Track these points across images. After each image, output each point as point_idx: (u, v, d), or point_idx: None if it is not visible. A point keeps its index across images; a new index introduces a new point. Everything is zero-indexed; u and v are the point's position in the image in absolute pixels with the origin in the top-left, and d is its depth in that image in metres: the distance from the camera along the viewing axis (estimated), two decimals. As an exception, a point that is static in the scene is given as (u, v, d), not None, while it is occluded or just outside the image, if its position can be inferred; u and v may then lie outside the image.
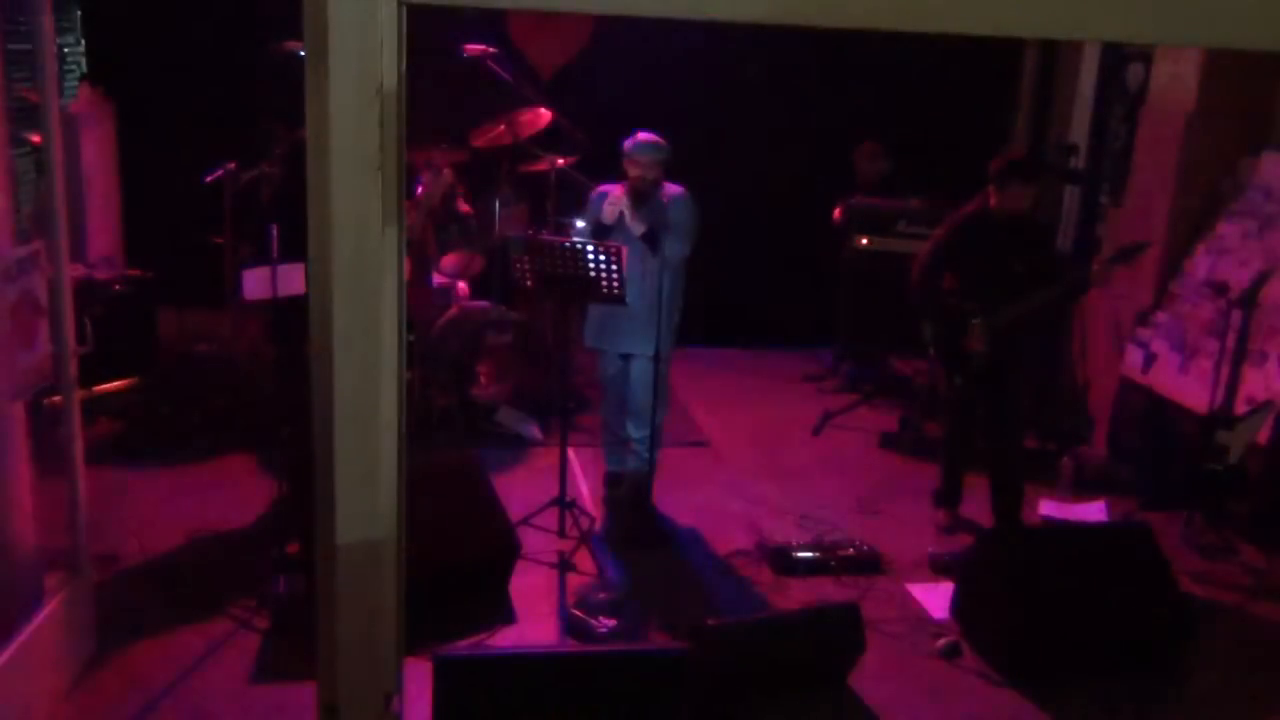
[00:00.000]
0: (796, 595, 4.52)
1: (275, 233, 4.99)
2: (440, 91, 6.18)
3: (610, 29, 6.86)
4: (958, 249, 4.95)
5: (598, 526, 5.02)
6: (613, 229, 4.83)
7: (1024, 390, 5.29)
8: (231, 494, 5.08)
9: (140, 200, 6.66)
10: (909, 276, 5.09)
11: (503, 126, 6.26)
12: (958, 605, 4.32)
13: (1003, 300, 4.85)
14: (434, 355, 5.89)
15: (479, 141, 6.32)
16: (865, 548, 4.83)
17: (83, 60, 6.84)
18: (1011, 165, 4.84)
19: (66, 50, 6.68)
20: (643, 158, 4.73)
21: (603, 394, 5.32)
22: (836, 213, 6.96)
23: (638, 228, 4.73)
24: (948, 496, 5.31)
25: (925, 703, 3.88)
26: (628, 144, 4.79)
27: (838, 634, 3.87)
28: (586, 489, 5.38)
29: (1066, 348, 6.77)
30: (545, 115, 6.25)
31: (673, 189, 4.82)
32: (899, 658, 4.11)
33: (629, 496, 5.10)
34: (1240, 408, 5.05)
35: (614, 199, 4.83)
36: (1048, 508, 5.43)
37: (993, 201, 4.84)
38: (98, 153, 6.46)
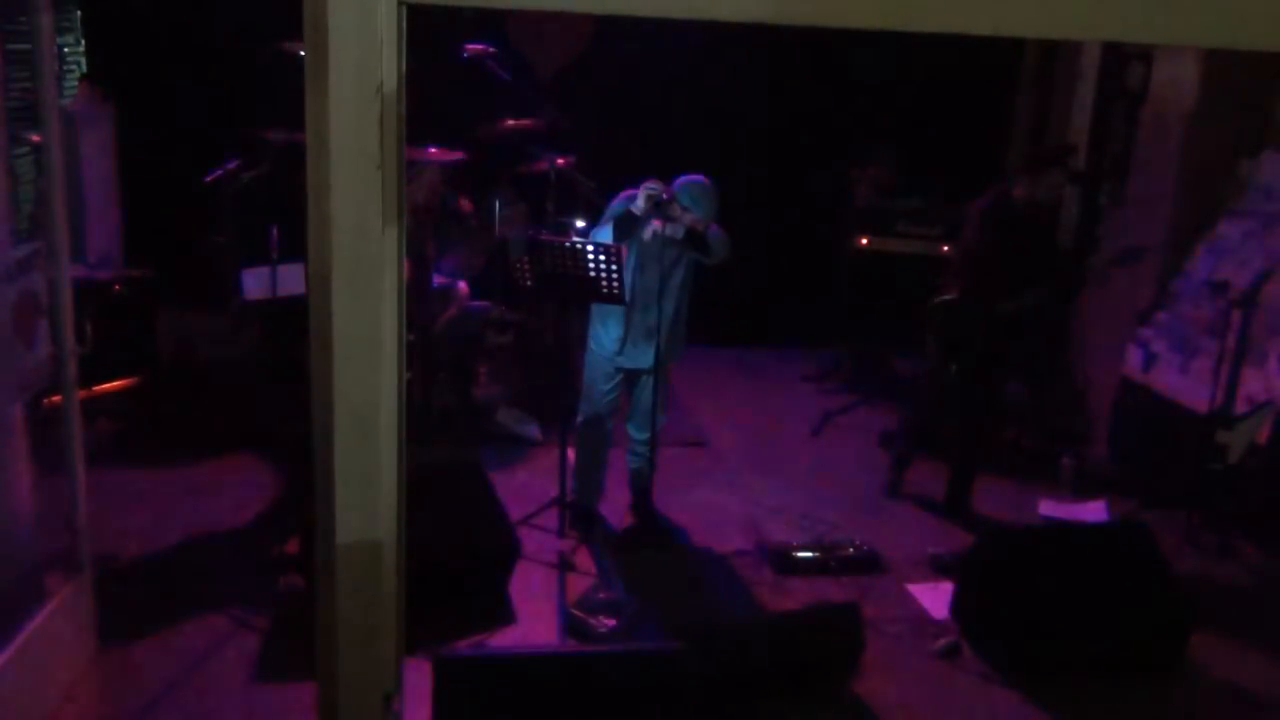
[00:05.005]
0: (796, 595, 4.52)
1: (275, 233, 5.00)
2: (440, 91, 6.18)
3: (610, 29, 6.86)
4: (993, 231, 5.02)
5: (598, 526, 5.03)
6: (640, 223, 4.52)
7: (1004, 387, 5.54)
8: (231, 494, 5.08)
9: (140, 200, 6.66)
10: (955, 281, 5.14)
11: (502, 126, 6.26)
12: (958, 605, 4.32)
13: (1011, 289, 4.96)
14: (434, 355, 5.89)
15: (478, 142, 6.32)
16: (865, 548, 4.83)
17: (83, 60, 6.83)
18: (1049, 153, 5.04)
19: (66, 50, 6.68)
20: (674, 207, 4.46)
21: (583, 429, 4.92)
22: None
23: (677, 229, 4.49)
24: (900, 467, 5.56)
25: (925, 703, 3.88)
26: (677, 182, 4.57)
27: (838, 634, 3.87)
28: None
29: (1066, 348, 6.78)
30: (544, 117, 6.26)
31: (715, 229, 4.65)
32: (899, 658, 4.11)
33: (636, 498, 5.09)
34: (1240, 408, 5.05)
35: (648, 186, 4.47)
36: (1048, 508, 5.43)
37: (1019, 191, 4.97)
38: (98, 153, 6.45)
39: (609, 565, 4.70)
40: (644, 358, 4.73)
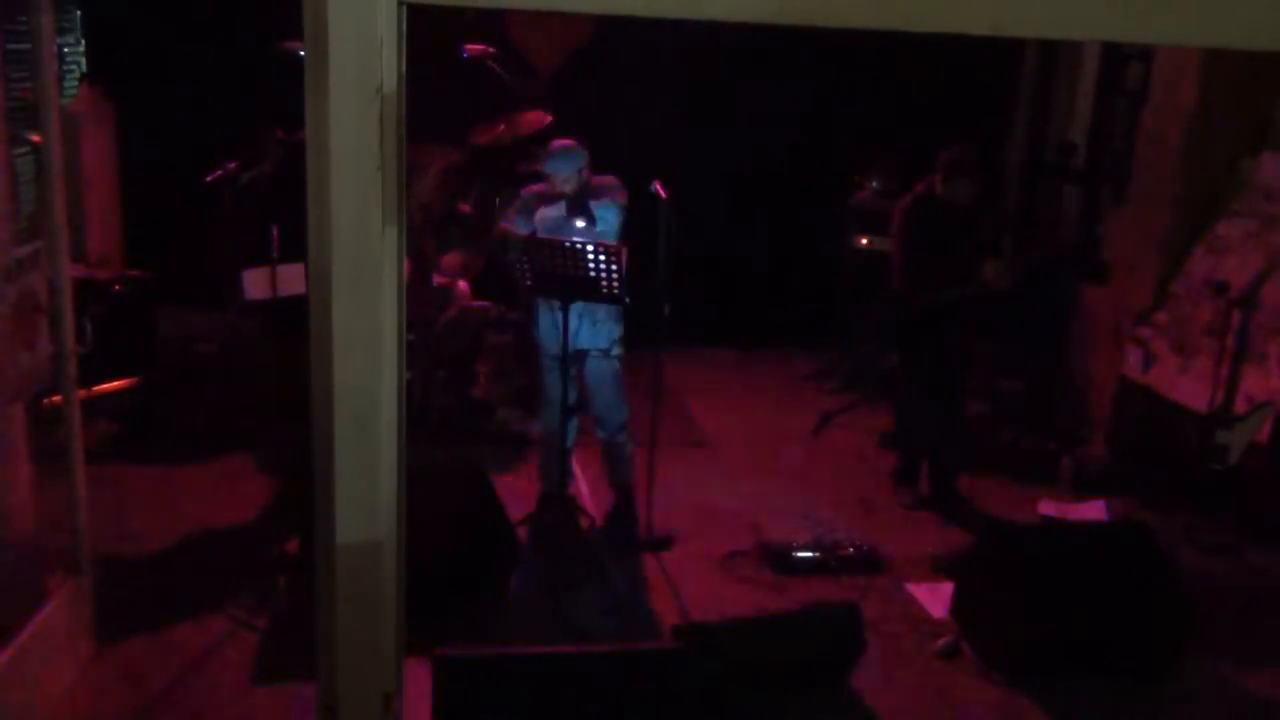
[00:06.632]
0: (796, 595, 4.52)
1: (275, 233, 4.99)
2: (440, 91, 6.18)
3: (609, 29, 6.85)
4: (914, 229, 5.18)
5: (598, 525, 5.02)
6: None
7: (958, 379, 5.51)
8: (231, 494, 5.08)
9: (140, 200, 6.66)
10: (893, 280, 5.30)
11: (503, 126, 6.26)
12: (958, 605, 4.32)
13: (936, 284, 5.09)
14: (434, 355, 5.89)
15: (479, 141, 6.32)
16: (865, 548, 4.83)
17: (83, 60, 6.83)
18: (958, 160, 5.11)
19: (66, 50, 6.68)
20: (555, 175, 4.70)
21: (544, 405, 5.03)
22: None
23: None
24: (906, 475, 5.52)
25: (925, 703, 3.89)
26: (551, 147, 4.77)
27: (838, 634, 3.87)
28: (586, 488, 5.38)
29: (1067, 347, 6.77)
30: (545, 116, 6.26)
31: (601, 181, 4.75)
32: (899, 658, 4.11)
33: (619, 500, 5.09)
34: (1240, 408, 5.05)
35: (545, 201, 4.77)
36: (1048, 508, 5.43)
37: (938, 189, 5.14)
38: (98, 152, 6.46)
39: (609, 565, 4.70)
40: (557, 340, 4.72)
